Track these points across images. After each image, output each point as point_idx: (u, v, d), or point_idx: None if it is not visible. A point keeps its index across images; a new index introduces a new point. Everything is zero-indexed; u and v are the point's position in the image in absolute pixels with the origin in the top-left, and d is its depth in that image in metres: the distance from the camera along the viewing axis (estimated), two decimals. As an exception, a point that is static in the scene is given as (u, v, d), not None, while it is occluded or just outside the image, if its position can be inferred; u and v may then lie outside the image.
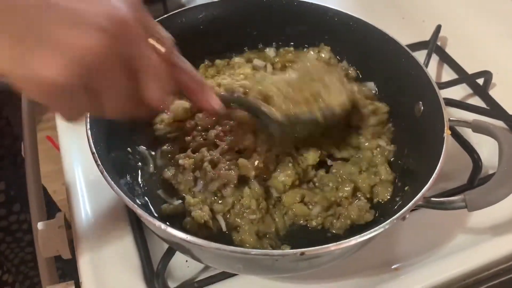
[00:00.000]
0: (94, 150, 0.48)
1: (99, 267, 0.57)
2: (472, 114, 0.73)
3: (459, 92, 0.80)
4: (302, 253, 0.43)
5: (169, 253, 0.55)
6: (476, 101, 0.79)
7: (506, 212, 0.62)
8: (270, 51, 0.75)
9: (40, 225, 0.65)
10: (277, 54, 0.74)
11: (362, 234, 0.45)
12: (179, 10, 0.68)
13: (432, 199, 0.49)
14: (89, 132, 0.50)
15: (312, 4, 0.70)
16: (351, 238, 0.44)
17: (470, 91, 0.81)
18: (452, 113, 0.75)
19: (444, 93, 0.77)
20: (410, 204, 0.47)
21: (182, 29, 0.67)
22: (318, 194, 0.58)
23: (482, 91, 0.80)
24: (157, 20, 0.65)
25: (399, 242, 0.60)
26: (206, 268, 0.57)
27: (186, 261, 0.58)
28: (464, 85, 0.81)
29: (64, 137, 0.72)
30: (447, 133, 0.52)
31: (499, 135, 0.51)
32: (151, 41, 0.39)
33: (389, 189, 0.59)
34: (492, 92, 0.79)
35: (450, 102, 0.74)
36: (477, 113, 0.73)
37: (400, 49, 0.64)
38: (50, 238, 0.64)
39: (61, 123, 0.74)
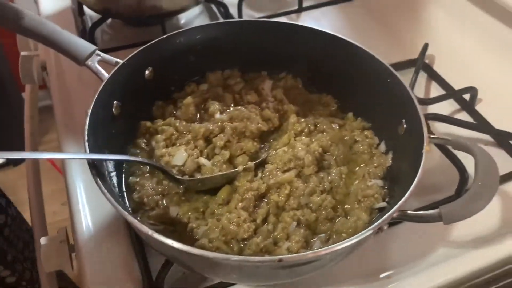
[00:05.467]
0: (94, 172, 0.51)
1: (101, 279, 0.59)
2: (460, 128, 0.76)
3: (447, 107, 0.83)
4: (280, 260, 0.45)
5: (167, 265, 0.57)
6: (464, 116, 0.81)
7: (489, 223, 0.65)
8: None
9: (42, 240, 0.67)
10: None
11: (334, 244, 0.46)
12: (177, 31, 0.70)
13: (409, 212, 0.50)
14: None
15: (303, 26, 0.72)
16: (328, 247, 0.46)
17: (457, 106, 0.83)
18: (441, 128, 0.78)
19: (433, 109, 0.80)
20: (385, 217, 0.48)
21: (179, 49, 0.71)
22: None
23: (468, 107, 0.82)
24: (155, 40, 0.68)
25: (388, 252, 0.62)
26: (204, 279, 0.59)
27: (184, 273, 0.60)
28: (452, 100, 0.83)
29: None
30: (426, 149, 0.54)
31: (476, 152, 0.54)
32: None
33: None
34: (479, 107, 0.82)
35: (438, 117, 0.76)
36: (464, 128, 0.76)
37: (386, 69, 0.65)
38: (52, 253, 0.67)
39: (64, 144, 0.77)
